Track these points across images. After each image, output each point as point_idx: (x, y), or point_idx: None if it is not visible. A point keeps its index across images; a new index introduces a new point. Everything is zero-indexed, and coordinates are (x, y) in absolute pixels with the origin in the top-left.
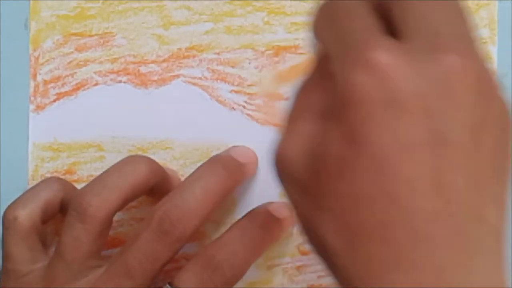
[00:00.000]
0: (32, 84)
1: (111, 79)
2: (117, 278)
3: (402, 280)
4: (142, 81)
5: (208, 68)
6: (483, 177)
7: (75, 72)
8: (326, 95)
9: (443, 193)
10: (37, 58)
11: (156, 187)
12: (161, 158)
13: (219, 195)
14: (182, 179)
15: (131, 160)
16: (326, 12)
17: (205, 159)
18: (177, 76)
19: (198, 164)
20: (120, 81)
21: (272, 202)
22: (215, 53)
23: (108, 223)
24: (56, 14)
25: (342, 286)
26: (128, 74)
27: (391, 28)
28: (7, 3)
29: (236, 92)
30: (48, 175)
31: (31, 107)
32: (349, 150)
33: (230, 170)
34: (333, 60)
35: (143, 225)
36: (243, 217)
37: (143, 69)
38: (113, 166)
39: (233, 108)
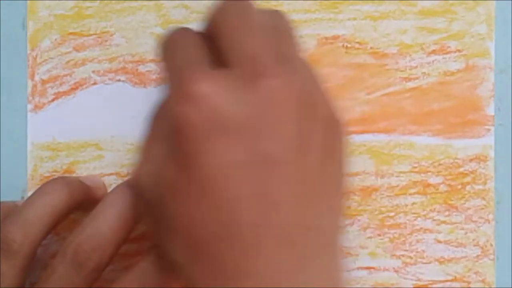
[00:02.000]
0: (30, 83)
1: (109, 78)
2: None
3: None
4: (141, 80)
5: None
6: (312, 188)
7: (73, 72)
8: (167, 123)
9: (269, 206)
10: (35, 58)
11: (81, 204)
12: None
13: (132, 221)
14: None
15: (49, 188)
16: (162, 43)
17: None
18: None
19: None
20: (119, 80)
21: None
22: None
23: (32, 256)
24: (53, 14)
25: None
26: (126, 73)
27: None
28: (4, 3)
29: None
30: (47, 175)
31: (29, 106)
32: (180, 174)
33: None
34: (167, 91)
35: (57, 259)
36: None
37: (141, 68)
38: (32, 195)
39: None
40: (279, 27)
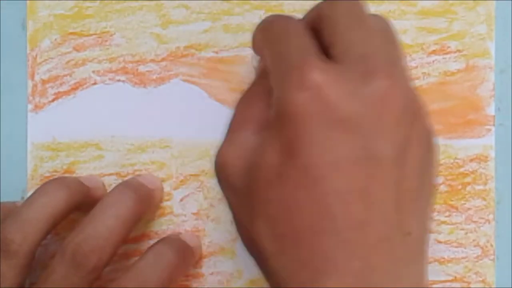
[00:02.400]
0: (30, 83)
1: (109, 78)
2: None
3: (328, 283)
4: (141, 80)
5: (206, 67)
6: (407, 191)
7: (74, 72)
8: (266, 109)
9: (370, 205)
10: (35, 58)
11: (80, 204)
12: (159, 156)
13: (131, 221)
14: (181, 178)
15: (49, 188)
16: (266, 30)
17: (204, 158)
18: (176, 74)
19: (197, 163)
20: (119, 80)
21: (182, 232)
22: (213, 52)
23: (32, 256)
24: (53, 14)
25: (273, 287)
26: (126, 73)
27: (323, 46)
28: (4, 3)
29: (235, 90)
30: (47, 175)
31: (30, 106)
32: (284, 161)
33: (140, 195)
34: (272, 76)
35: (57, 259)
36: (158, 242)
37: (141, 68)
38: (32, 196)
39: (232, 106)
40: (388, 31)
